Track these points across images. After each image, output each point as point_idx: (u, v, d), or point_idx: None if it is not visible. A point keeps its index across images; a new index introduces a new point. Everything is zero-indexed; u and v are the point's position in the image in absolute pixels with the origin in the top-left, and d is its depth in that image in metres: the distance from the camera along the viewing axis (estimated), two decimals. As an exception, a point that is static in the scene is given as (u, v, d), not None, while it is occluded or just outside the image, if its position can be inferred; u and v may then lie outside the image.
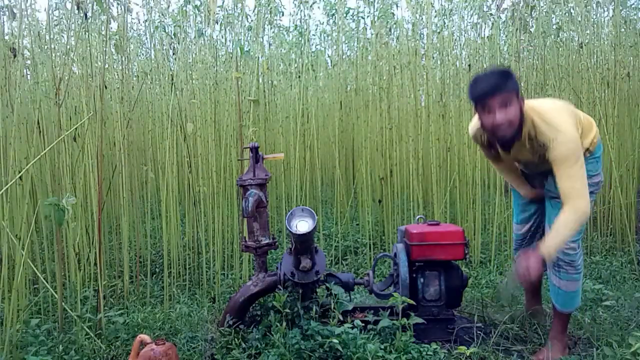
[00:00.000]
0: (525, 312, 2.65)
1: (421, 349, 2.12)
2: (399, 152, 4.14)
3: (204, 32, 3.73)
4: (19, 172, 2.43)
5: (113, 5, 3.02)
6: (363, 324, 2.25)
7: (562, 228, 2.00)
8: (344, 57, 4.98)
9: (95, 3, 2.72)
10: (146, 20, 3.76)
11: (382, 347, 2.10)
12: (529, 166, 2.35)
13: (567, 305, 2.31)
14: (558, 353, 2.25)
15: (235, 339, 2.24)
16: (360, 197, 4.45)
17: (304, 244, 2.23)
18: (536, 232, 2.54)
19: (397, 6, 4.24)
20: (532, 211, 2.53)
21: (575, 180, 1.97)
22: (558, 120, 2.03)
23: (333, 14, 4.53)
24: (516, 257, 2.01)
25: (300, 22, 4.35)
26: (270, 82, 4.74)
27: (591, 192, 2.21)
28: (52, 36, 3.06)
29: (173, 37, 3.74)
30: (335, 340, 2.02)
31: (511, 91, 2.01)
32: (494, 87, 1.99)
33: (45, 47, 3.18)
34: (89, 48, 2.91)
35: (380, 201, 4.28)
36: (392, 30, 4.30)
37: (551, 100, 2.25)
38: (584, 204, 1.98)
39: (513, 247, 2.71)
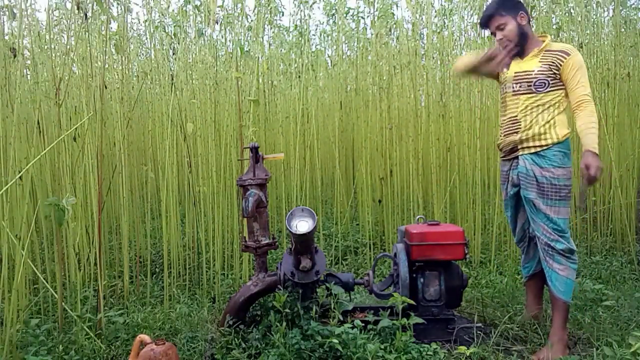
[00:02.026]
0: (525, 315, 2.66)
1: (421, 349, 2.12)
2: (399, 152, 4.14)
3: (204, 32, 3.73)
4: (19, 172, 2.43)
5: (113, 5, 3.02)
6: (363, 324, 2.25)
7: (589, 127, 2.30)
8: (344, 57, 4.98)
9: (95, 3, 2.72)
10: (146, 20, 3.76)
11: (382, 347, 2.10)
12: (520, 84, 2.47)
13: (562, 291, 2.35)
14: (558, 353, 2.25)
15: (235, 339, 2.24)
16: (360, 197, 4.45)
17: (304, 244, 2.23)
18: (532, 239, 2.57)
19: (397, 6, 4.24)
20: (514, 208, 2.60)
21: (586, 87, 2.36)
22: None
23: (333, 14, 4.53)
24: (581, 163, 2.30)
25: (300, 22, 4.35)
26: (270, 82, 4.74)
27: (565, 197, 2.35)
28: (52, 36, 3.06)
29: (173, 37, 3.74)
30: (335, 340, 2.02)
31: (503, 16, 2.46)
32: (485, 18, 2.54)
33: (45, 47, 3.18)
34: (89, 48, 2.91)
35: (380, 201, 4.28)
36: (392, 30, 4.30)
37: None
38: (593, 105, 2.35)
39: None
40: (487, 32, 4.21)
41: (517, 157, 2.47)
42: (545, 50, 2.43)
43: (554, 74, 2.38)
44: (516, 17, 2.46)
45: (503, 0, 2.48)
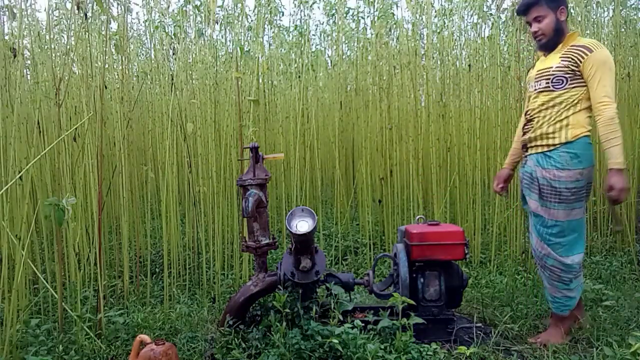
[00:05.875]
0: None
1: (421, 349, 2.12)
2: (399, 152, 4.14)
3: (204, 32, 3.72)
4: (19, 172, 2.43)
5: (113, 5, 3.02)
6: (363, 324, 2.25)
7: (608, 138, 2.20)
8: (344, 57, 4.98)
9: (95, 3, 2.72)
10: (146, 20, 3.76)
11: (382, 347, 2.10)
12: (540, 82, 2.39)
13: (554, 306, 2.39)
14: (558, 338, 2.31)
15: (235, 339, 2.24)
16: (360, 197, 4.45)
17: (304, 244, 2.23)
18: None
19: (397, 6, 4.24)
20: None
21: (605, 88, 2.20)
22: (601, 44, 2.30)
23: (333, 14, 4.53)
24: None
25: (300, 22, 4.35)
26: (270, 82, 4.74)
27: (564, 200, 2.28)
28: (52, 36, 3.06)
29: (173, 37, 3.74)
30: (335, 340, 2.02)
31: (543, 7, 2.33)
32: (524, 6, 2.38)
33: (45, 47, 3.18)
34: (89, 48, 2.91)
35: (380, 201, 4.28)
36: (392, 30, 4.30)
37: None
38: (613, 109, 2.21)
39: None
40: (486, 33, 4.25)
41: (527, 157, 2.44)
42: (570, 46, 2.30)
43: (573, 71, 2.25)
44: (556, 12, 2.32)
45: None
